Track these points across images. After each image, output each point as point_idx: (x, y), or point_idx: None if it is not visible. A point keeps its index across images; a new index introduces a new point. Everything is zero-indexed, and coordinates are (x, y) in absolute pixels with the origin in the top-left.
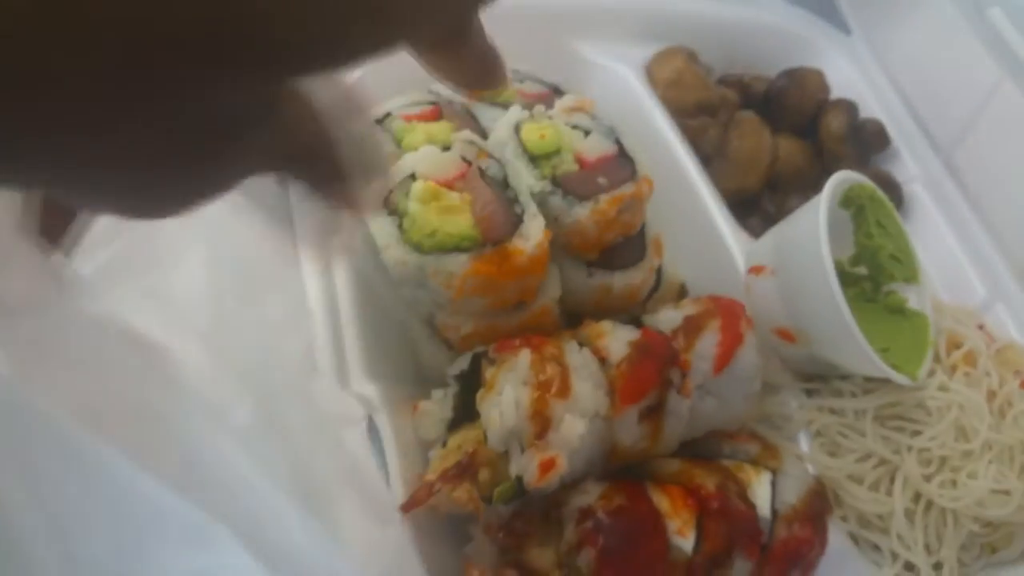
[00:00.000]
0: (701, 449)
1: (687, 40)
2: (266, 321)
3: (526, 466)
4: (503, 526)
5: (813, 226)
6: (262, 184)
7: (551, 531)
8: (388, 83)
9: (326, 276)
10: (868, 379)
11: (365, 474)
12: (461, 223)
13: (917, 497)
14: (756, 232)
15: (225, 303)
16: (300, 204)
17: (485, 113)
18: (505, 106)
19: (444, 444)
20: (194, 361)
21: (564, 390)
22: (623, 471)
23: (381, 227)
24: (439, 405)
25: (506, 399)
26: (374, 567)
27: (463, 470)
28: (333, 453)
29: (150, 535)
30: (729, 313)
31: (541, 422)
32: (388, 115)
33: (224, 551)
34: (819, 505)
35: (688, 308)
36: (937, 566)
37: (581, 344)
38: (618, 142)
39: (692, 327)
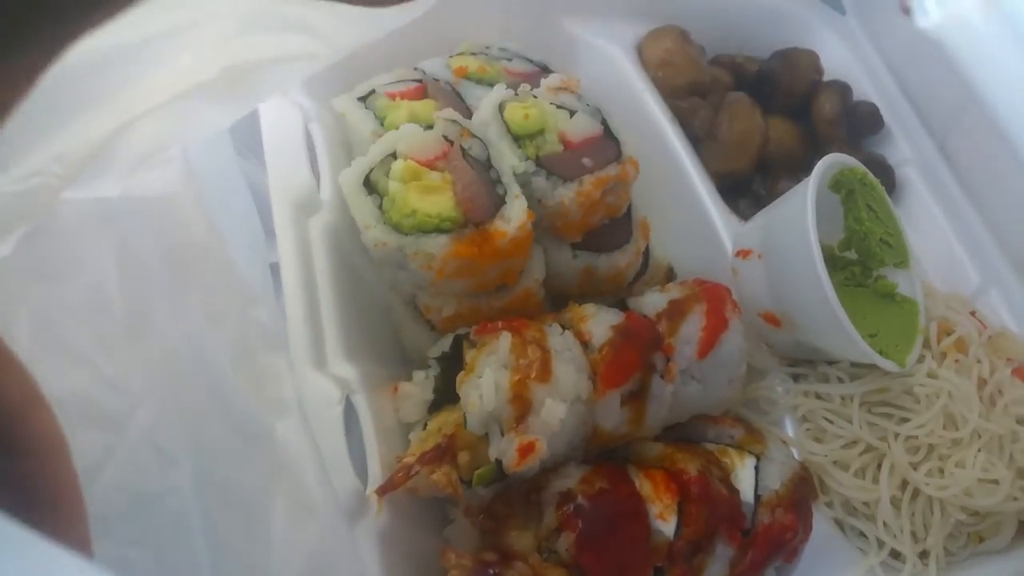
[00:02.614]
0: (685, 433)
1: (680, 19)
2: (189, 316)
3: (505, 450)
4: (483, 509)
5: (800, 209)
6: None
7: (531, 514)
8: (375, 60)
9: (303, 256)
10: (856, 365)
11: (300, 465)
12: (442, 203)
13: (904, 485)
14: (746, 215)
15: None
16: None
17: (471, 91)
18: (491, 84)
19: (425, 426)
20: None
21: (545, 373)
22: (605, 455)
23: (361, 206)
24: (420, 387)
25: (486, 382)
26: (296, 559)
27: (442, 453)
28: (263, 451)
29: None
30: (715, 297)
31: (521, 406)
32: (372, 92)
33: None
34: (803, 491)
35: (673, 292)
36: (923, 554)
37: (564, 327)
38: (604, 122)
39: (677, 311)
